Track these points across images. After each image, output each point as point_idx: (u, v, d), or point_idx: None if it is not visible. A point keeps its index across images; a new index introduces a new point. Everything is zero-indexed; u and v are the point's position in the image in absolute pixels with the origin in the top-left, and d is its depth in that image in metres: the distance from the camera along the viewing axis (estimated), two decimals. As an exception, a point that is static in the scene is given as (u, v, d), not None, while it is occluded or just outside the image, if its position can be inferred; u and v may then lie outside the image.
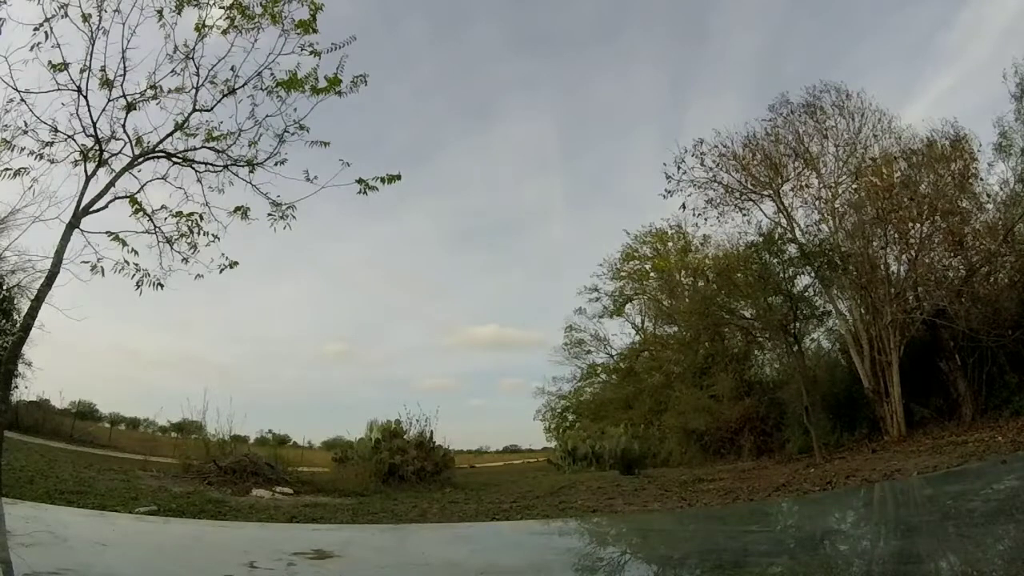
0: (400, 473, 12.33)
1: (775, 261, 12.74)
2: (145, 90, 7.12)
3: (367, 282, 48.67)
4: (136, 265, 6.93)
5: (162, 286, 6.89)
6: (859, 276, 13.61)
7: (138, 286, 6.80)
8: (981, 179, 14.11)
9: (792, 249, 13.29)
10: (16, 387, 14.86)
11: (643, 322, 28.73)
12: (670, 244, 27.31)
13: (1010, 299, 12.63)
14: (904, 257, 13.70)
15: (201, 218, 7.40)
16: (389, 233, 46.58)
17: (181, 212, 7.33)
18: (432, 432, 14.52)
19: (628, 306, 28.68)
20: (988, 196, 14.13)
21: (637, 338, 28.50)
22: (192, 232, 7.42)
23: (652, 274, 27.50)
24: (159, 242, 7.29)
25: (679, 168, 16.24)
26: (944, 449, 9.37)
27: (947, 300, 12.91)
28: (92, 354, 31.35)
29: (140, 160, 6.95)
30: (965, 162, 13.96)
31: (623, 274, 28.31)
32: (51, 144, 6.86)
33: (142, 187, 7.12)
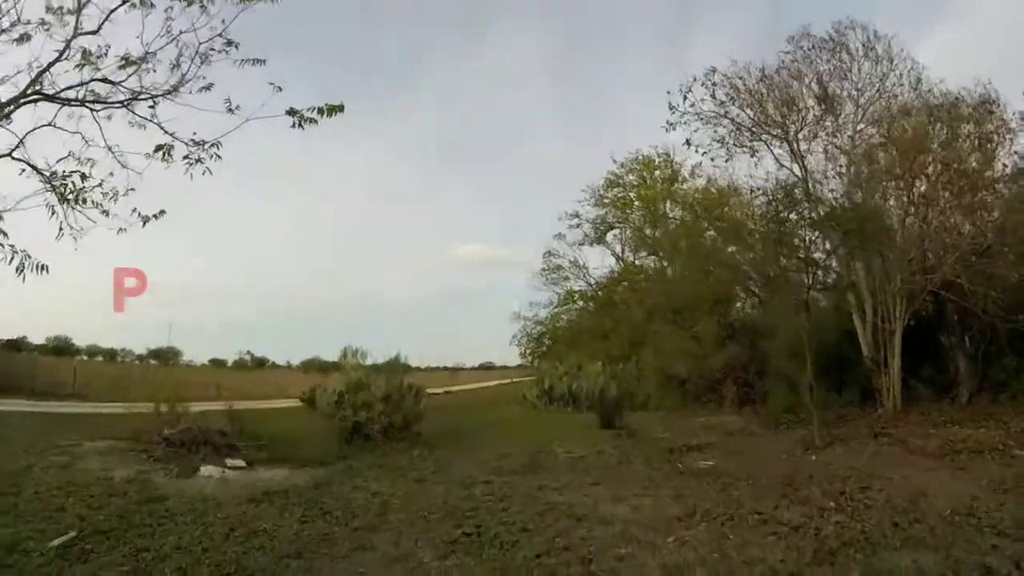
0: (366, 431, 11.46)
1: (794, 219, 11.37)
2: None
3: (352, 201, 46.74)
4: (12, 247, 5.31)
5: (47, 269, 5.29)
6: (874, 237, 12.53)
7: (19, 272, 5.17)
8: (1009, 145, 12.92)
9: (808, 209, 11.91)
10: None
11: (624, 251, 27.81)
12: (657, 173, 25.85)
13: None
14: (921, 222, 12.65)
15: (94, 165, 5.80)
16: (376, 151, 44.08)
17: (78, 160, 5.66)
18: (403, 377, 13.62)
19: (610, 235, 27.56)
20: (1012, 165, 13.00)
21: (618, 267, 27.69)
22: (94, 181, 5.80)
23: (636, 203, 26.16)
24: (59, 201, 5.70)
25: (685, 99, 14.57)
26: (956, 446, 8.80)
27: (960, 271, 12.02)
28: (72, 288, 30.11)
29: (9, 108, 5.16)
30: (995, 126, 12.65)
31: (606, 201, 26.91)
32: None
33: (21, 140, 5.39)
